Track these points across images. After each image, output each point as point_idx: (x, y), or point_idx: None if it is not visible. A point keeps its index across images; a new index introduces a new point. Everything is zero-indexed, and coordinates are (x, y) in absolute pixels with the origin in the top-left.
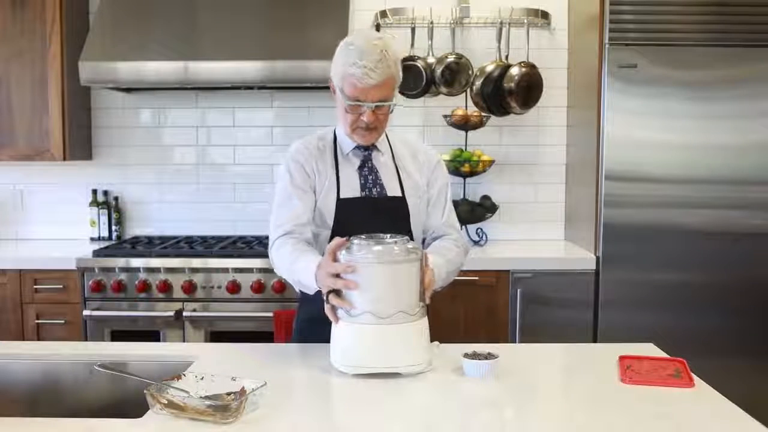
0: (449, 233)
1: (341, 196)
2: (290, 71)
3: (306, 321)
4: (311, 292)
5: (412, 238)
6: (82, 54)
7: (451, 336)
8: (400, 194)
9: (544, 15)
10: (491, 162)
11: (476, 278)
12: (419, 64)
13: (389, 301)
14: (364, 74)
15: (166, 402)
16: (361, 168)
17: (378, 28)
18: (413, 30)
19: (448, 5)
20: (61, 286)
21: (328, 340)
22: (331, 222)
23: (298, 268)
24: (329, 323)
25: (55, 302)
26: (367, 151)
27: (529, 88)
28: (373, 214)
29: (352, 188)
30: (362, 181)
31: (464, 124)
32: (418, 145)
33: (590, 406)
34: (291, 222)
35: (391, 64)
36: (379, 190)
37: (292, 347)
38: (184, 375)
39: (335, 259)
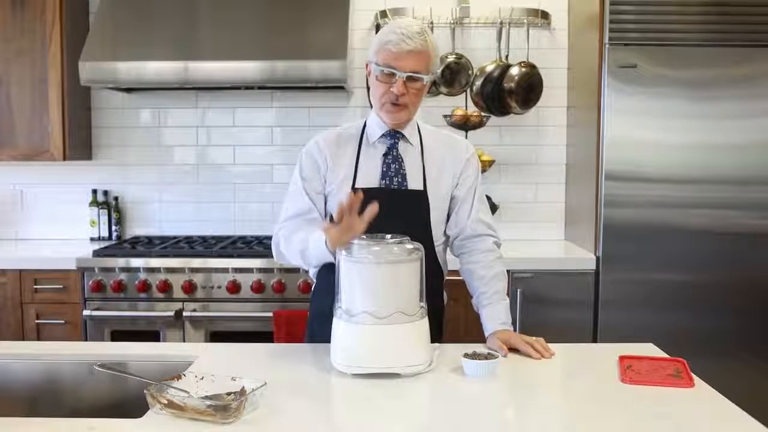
0: (478, 230)
1: (357, 186)
2: (290, 71)
3: (316, 317)
4: (331, 258)
5: (430, 235)
6: (82, 54)
7: (451, 336)
8: (421, 188)
9: (544, 15)
10: (491, 162)
11: None
12: None
13: (387, 301)
14: (400, 39)
15: (166, 402)
16: (386, 155)
17: (378, 28)
18: None
19: (448, 5)
20: (61, 286)
21: None
22: None
23: (312, 239)
24: None
25: (55, 302)
26: (394, 139)
27: (529, 88)
28: (389, 207)
29: (370, 178)
30: (384, 169)
31: (464, 124)
32: (453, 139)
33: (590, 406)
34: (298, 216)
35: (428, 41)
36: (400, 180)
37: (292, 347)
38: (184, 375)
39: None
